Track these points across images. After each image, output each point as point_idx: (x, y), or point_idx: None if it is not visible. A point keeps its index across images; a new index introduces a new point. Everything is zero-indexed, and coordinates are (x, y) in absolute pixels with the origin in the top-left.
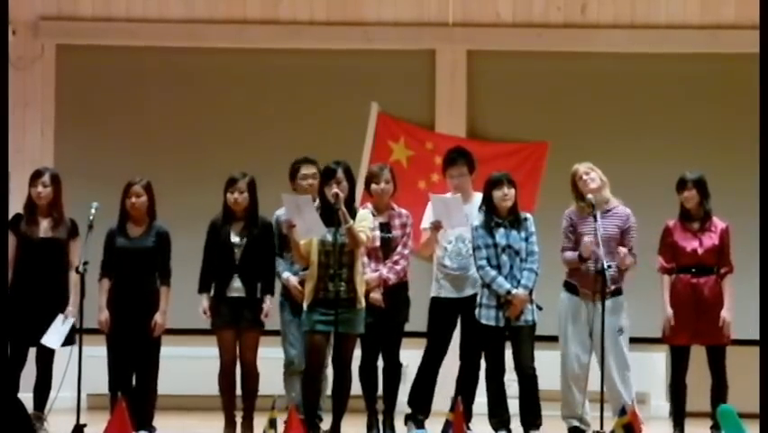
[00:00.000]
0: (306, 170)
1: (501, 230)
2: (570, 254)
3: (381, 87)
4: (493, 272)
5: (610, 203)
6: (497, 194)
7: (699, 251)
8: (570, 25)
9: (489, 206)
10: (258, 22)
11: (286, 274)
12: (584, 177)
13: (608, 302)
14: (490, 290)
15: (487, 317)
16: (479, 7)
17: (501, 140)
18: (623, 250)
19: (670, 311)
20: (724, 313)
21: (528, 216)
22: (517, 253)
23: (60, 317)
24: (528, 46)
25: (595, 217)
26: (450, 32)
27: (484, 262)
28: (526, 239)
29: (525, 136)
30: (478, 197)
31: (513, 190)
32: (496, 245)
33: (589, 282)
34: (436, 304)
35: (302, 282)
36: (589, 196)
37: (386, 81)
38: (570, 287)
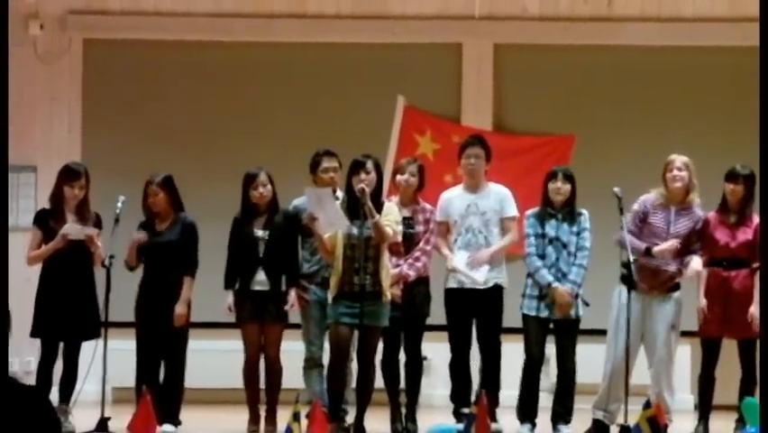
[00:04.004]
0: (328, 162)
1: (553, 221)
2: (636, 242)
3: (407, 81)
4: (538, 263)
5: (689, 203)
6: (550, 186)
7: (732, 244)
8: (596, 18)
9: (545, 197)
10: (284, 16)
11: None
12: (674, 171)
13: (665, 297)
14: (534, 281)
15: (528, 307)
16: (505, 1)
17: (527, 133)
18: (693, 268)
19: (703, 302)
20: (752, 308)
21: (584, 211)
22: (565, 246)
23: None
24: (555, 39)
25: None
26: (476, 26)
27: (532, 250)
28: (578, 234)
29: (551, 130)
30: (491, 187)
31: (568, 185)
32: (544, 236)
33: (647, 277)
34: (451, 295)
35: (313, 276)
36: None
37: (412, 75)
38: (626, 280)
